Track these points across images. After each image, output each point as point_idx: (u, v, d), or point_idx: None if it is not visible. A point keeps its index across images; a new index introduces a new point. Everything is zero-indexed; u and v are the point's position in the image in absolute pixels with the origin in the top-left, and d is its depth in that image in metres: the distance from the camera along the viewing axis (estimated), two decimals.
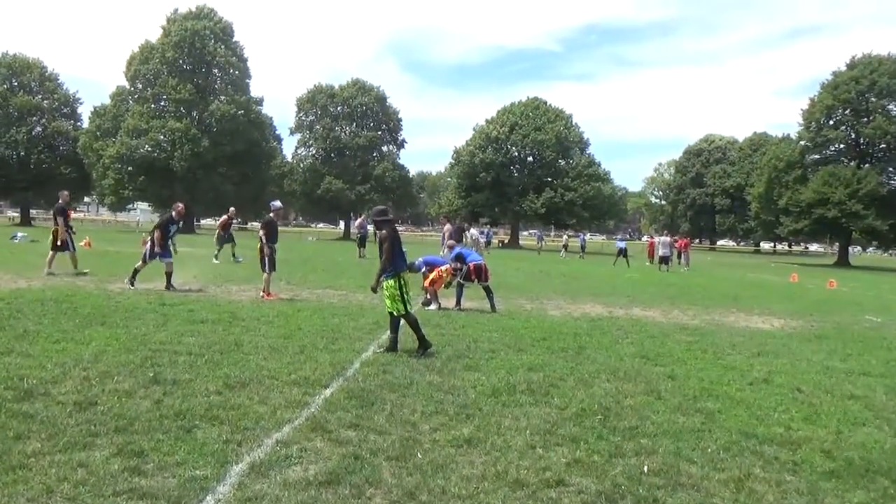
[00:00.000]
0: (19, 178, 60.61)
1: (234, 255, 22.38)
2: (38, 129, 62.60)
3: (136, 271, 13.63)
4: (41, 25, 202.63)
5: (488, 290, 12.92)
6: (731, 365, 8.42)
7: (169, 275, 13.52)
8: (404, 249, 8.64)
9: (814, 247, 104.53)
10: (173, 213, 14.43)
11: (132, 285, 13.20)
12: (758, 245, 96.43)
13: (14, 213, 72.92)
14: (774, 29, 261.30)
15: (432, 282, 12.51)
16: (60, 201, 16.38)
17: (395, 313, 8.14)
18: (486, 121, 67.15)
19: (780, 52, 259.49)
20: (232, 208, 25.51)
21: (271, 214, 13.74)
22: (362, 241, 30.43)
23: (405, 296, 8.10)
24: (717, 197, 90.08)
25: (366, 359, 7.59)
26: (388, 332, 8.35)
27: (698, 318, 13.35)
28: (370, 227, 23.56)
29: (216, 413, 5.26)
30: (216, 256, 22.16)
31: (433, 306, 12.47)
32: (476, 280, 12.94)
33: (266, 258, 13.12)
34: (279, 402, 5.66)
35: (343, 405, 5.68)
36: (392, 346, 8.07)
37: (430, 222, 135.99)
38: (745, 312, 14.76)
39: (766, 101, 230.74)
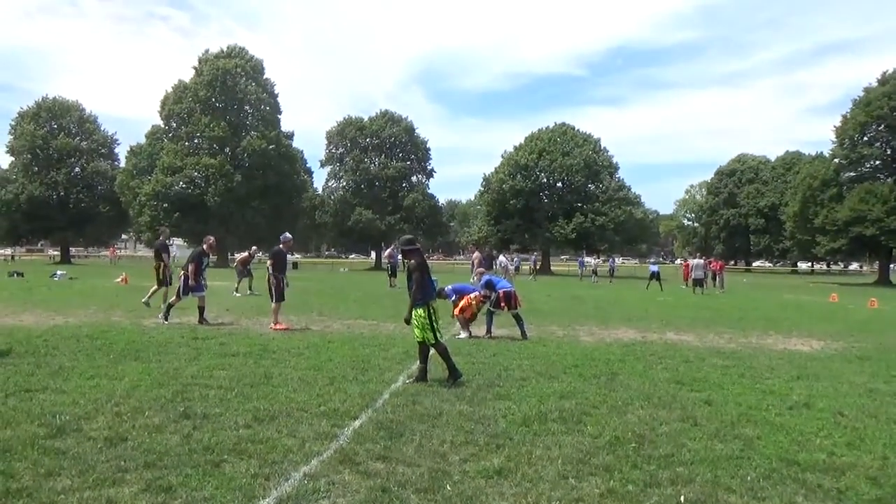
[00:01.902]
0: (59, 218, 62.23)
1: (249, 288, 23.30)
2: (77, 169, 64.35)
3: (170, 306, 13.80)
4: (80, 68, 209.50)
5: (518, 318, 12.81)
6: (769, 389, 8.19)
7: (202, 308, 13.67)
8: (434, 278, 8.60)
9: (853, 266, 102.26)
10: (204, 247, 14.63)
11: (166, 320, 13.35)
12: (795, 265, 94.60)
13: (55, 252, 74.66)
14: (803, 47, 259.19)
15: (462, 310, 12.45)
16: (161, 238, 17.08)
17: (425, 342, 8.10)
18: (515, 147, 67.24)
19: (810, 69, 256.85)
20: (254, 247, 28.15)
21: (280, 246, 13.87)
22: (393, 271, 30.53)
23: (434, 325, 8.05)
24: (751, 217, 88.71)
25: (395, 389, 7.54)
26: (418, 361, 8.29)
27: (735, 341, 13.07)
28: (400, 257, 23.67)
29: (245, 447, 5.24)
30: (236, 290, 22.96)
31: (463, 335, 12.39)
32: (506, 308, 12.83)
33: (273, 288, 13.30)
34: (308, 435, 5.62)
35: (372, 437, 5.62)
36: (421, 376, 8.01)
37: (461, 251, 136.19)
38: (783, 335, 14.42)
39: (798, 119, 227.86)
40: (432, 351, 8.12)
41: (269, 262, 13.90)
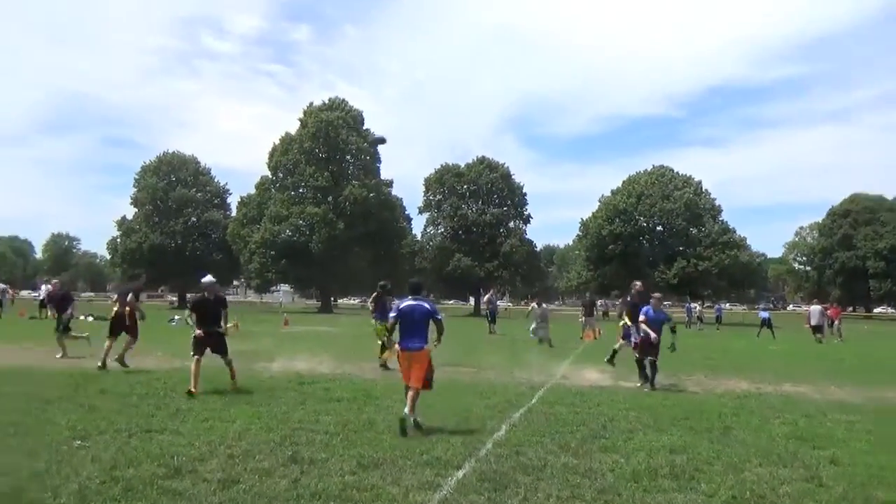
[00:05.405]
0: (176, 265, 66.01)
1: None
2: (193, 219, 68.44)
3: (614, 352, 14.59)
4: (195, 123, 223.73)
5: (654, 366, 12.33)
6: None
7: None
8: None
9: None
10: (633, 292, 14.34)
11: (612, 363, 14.45)
12: None
13: (173, 297, 78.92)
14: None
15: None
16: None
17: None
18: (612, 191, 66.25)
19: None
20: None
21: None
22: (492, 317, 30.39)
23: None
24: (870, 260, 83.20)
25: (498, 439, 7.45)
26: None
27: (859, 394, 12.19)
28: (499, 303, 23.63)
29: (350, 494, 5.29)
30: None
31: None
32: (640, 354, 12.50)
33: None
34: (412, 484, 5.62)
35: (476, 488, 5.55)
36: None
37: (560, 296, 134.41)
38: None
39: None
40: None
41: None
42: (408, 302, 8.32)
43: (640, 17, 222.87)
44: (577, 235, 68.75)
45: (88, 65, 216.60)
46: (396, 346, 8.37)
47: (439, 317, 8.32)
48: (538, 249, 76.85)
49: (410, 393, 7.92)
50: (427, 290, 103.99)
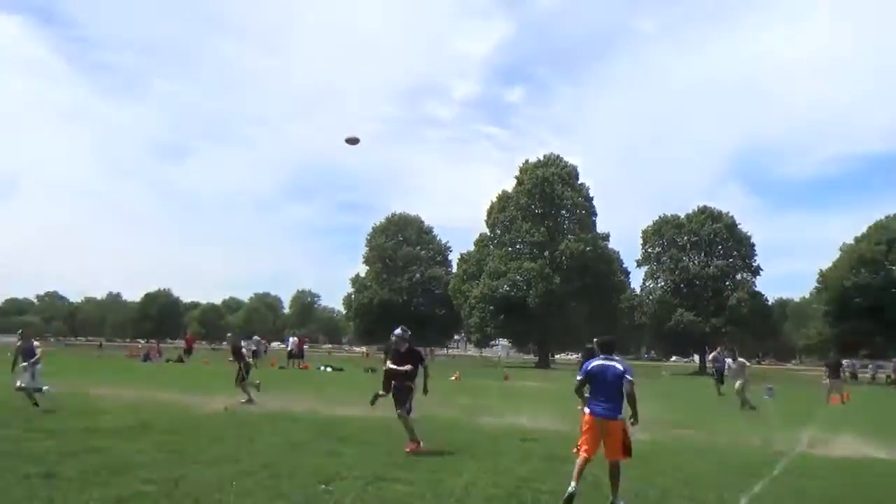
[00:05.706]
0: (402, 320, 69.89)
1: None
2: (418, 276, 72.82)
3: None
4: (419, 185, 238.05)
5: None
6: None
7: None
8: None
9: None
10: None
11: None
12: None
13: None
14: None
15: None
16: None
17: None
18: (856, 239, 59.93)
19: None
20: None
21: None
22: (720, 376, 28.36)
23: None
24: None
25: None
26: None
27: None
28: (728, 361, 22.06)
29: None
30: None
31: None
32: None
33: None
34: None
35: None
36: None
37: (798, 355, 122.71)
38: None
39: None
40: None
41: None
42: (598, 361, 7.41)
43: (865, 45, 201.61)
44: (815, 288, 63.19)
45: (326, 136, 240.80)
46: (585, 410, 7.43)
47: (630, 377, 7.16)
48: (769, 303, 71.04)
49: (610, 469, 7.11)
50: (647, 345, 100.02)
